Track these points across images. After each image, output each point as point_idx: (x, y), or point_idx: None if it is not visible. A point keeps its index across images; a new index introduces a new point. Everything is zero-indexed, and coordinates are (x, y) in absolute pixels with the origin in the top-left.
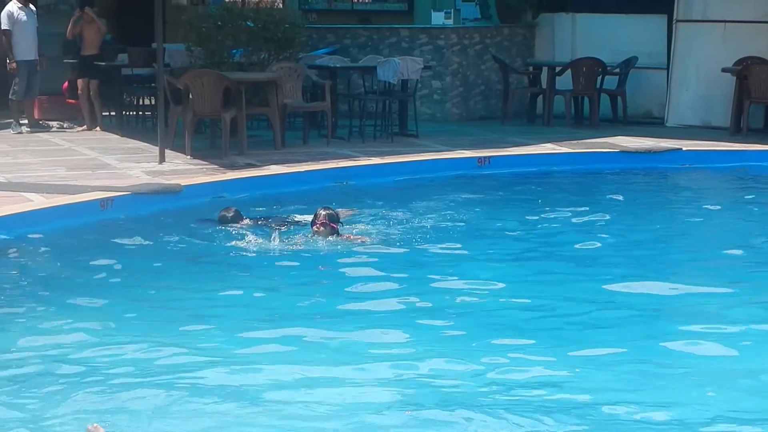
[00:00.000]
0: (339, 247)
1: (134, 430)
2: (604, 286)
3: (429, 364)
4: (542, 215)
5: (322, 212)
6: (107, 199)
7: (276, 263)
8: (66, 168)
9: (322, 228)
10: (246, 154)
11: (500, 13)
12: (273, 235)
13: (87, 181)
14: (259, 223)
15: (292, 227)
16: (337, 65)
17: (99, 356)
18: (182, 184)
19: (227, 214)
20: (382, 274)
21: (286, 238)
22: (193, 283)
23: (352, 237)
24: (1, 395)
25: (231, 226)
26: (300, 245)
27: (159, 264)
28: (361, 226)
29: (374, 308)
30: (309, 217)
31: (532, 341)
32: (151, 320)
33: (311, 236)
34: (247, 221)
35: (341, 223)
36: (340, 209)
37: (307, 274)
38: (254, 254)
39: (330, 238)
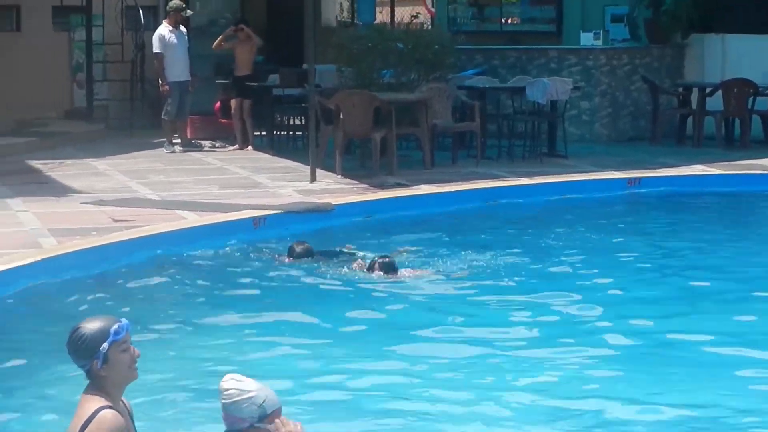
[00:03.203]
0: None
1: None
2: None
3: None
4: (692, 240)
5: (378, 260)
6: (260, 217)
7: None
8: (219, 186)
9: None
10: (396, 173)
11: (649, 34)
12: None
13: (240, 200)
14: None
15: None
16: (487, 86)
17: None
18: (334, 203)
19: (296, 248)
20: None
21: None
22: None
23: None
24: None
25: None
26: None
27: (311, 285)
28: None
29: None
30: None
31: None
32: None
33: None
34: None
35: (396, 270)
36: (401, 248)
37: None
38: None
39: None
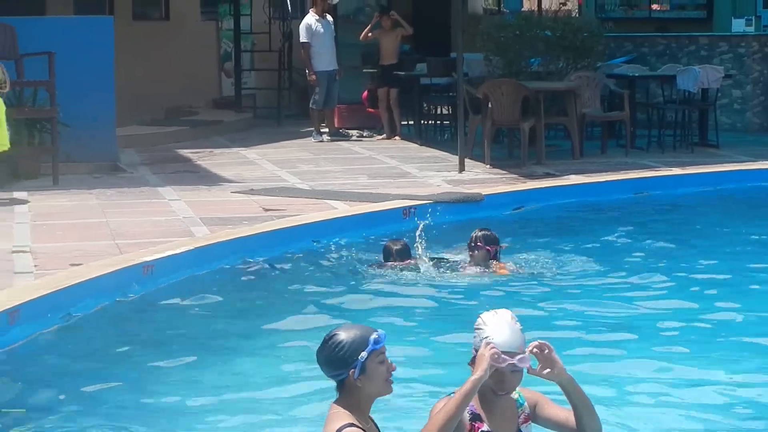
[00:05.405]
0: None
1: None
2: None
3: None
4: None
5: (478, 233)
6: (409, 207)
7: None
8: (367, 176)
9: (475, 252)
10: (544, 163)
11: None
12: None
13: (389, 190)
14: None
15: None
16: (636, 74)
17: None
18: (483, 193)
19: (394, 246)
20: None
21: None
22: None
23: (504, 267)
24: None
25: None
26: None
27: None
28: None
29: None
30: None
31: None
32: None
33: (468, 263)
34: (411, 261)
35: (501, 245)
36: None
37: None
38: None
39: (482, 268)
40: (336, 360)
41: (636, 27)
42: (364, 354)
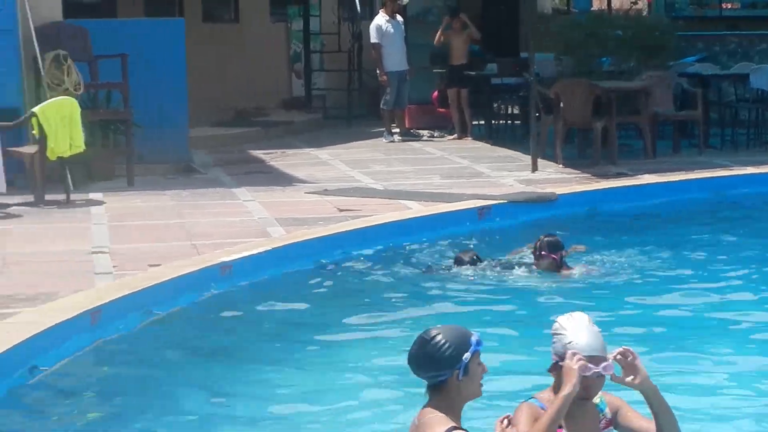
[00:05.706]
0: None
1: None
2: None
3: None
4: None
5: (543, 240)
6: (484, 207)
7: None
8: (440, 176)
9: (540, 260)
10: (617, 163)
11: None
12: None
13: (462, 189)
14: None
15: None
16: (708, 73)
17: None
18: (557, 192)
19: (464, 257)
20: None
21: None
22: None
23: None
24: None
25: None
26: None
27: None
28: None
29: None
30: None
31: None
32: None
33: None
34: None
35: (565, 250)
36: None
37: None
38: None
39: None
40: (440, 360)
41: (707, 25)
42: (467, 355)
